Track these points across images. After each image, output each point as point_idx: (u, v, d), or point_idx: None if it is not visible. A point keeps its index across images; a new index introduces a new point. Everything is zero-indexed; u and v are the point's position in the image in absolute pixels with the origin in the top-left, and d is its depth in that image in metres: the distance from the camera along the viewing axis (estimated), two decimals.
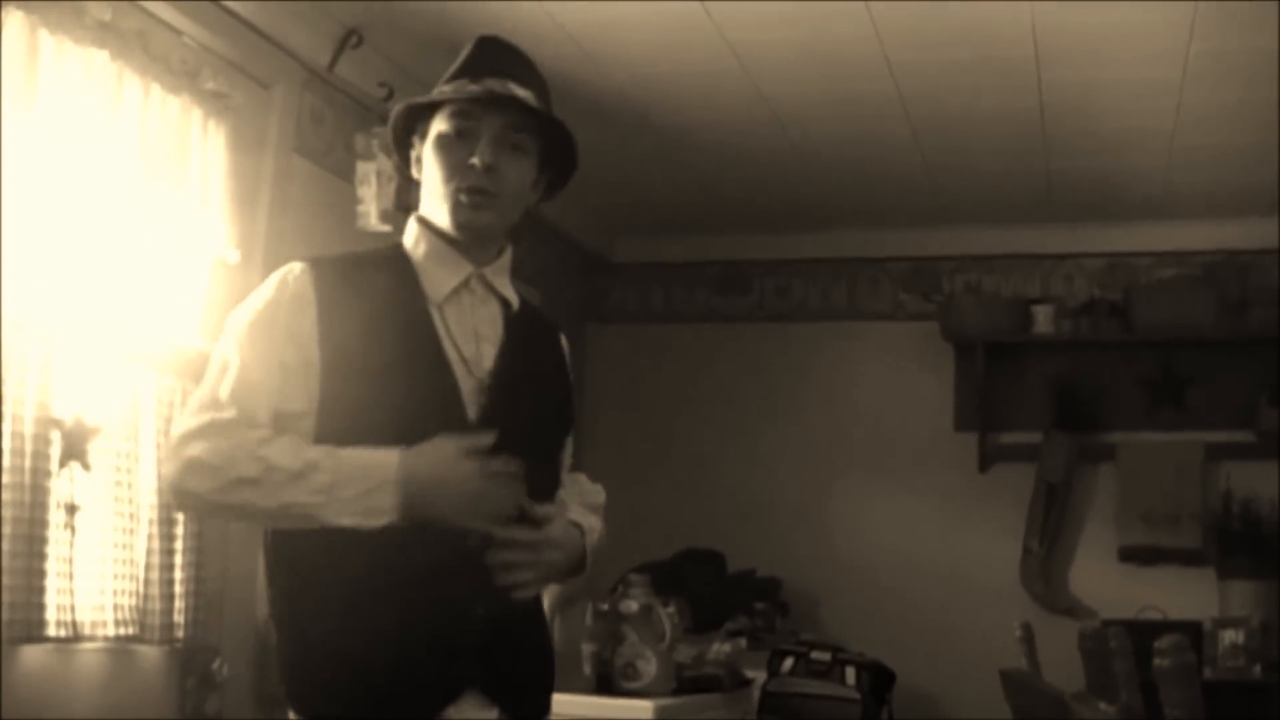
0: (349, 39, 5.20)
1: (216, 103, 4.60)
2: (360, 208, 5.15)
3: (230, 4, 4.66)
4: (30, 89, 3.84)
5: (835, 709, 6.09)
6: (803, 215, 7.53)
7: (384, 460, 2.70)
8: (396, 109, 3.03)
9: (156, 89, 4.33)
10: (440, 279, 2.95)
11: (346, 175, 5.25)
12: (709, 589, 6.66)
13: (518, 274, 3.04)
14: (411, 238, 3.00)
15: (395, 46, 5.37)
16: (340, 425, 2.78)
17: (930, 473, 7.55)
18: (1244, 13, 4.91)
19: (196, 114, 4.52)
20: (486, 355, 2.95)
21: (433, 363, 2.88)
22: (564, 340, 3.31)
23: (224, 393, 2.76)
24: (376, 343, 2.84)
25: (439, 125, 2.97)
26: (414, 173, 3.04)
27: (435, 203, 2.96)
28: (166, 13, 4.42)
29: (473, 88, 2.95)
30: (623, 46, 5.37)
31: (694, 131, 6.24)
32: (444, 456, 2.72)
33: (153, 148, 4.31)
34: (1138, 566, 7.23)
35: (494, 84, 2.96)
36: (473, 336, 2.95)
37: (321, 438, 2.78)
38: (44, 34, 3.89)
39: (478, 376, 2.91)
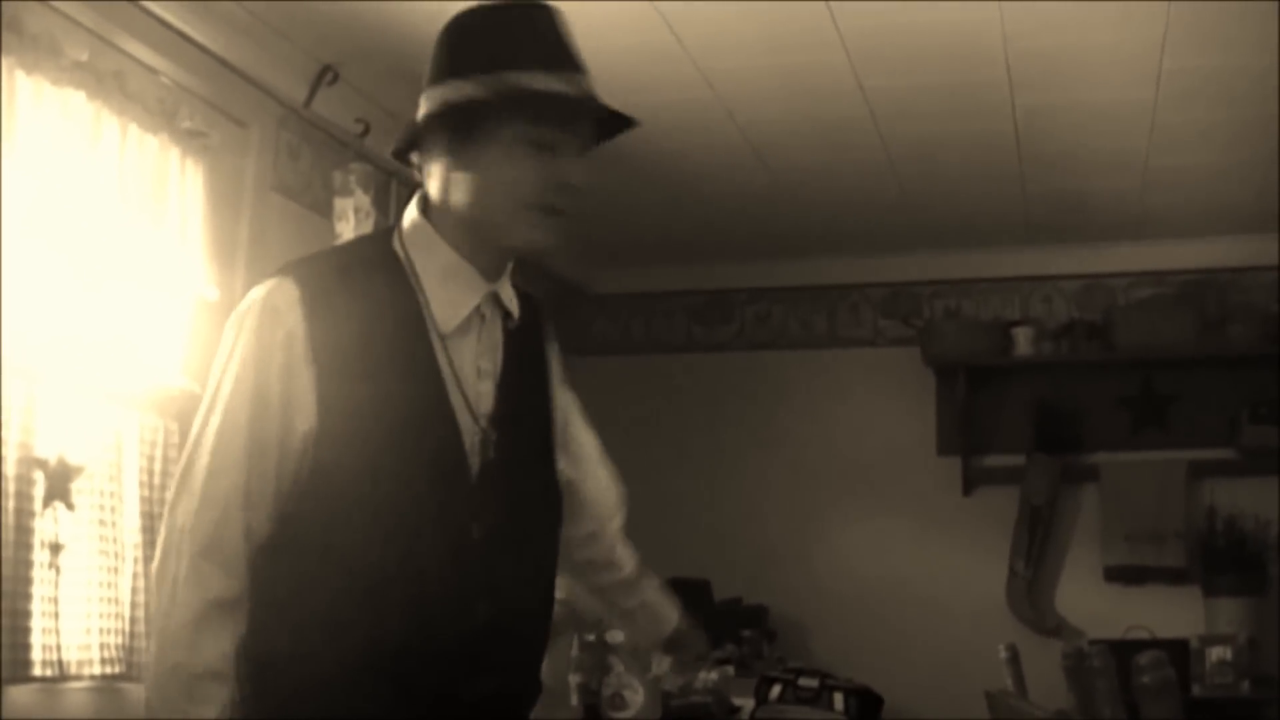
0: (325, 75, 5.21)
1: (194, 141, 4.61)
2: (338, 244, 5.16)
3: (207, 43, 4.67)
4: (8, 130, 3.84)
5: None
6: (781, 243, 7.55)
7: None
8: (452, 99, 2.66)
9: (134, 128, 4.34)
10: (451, 305, 2.70)
11: (324, 211, 5.25)
12: (695, 618, 6.65)
13: None
14: (419, 246, 2.71)
15: (371, 82, 5.38)
16: (334, 488, 2.57)
17: (914, 497, 7.56)
18: (1216, 30, 4.95)
19: (174, 153, 4.53)
20: (486, 395, 2.72)
21: (435, 414, 2.64)
22: (550, 333, 3.09)
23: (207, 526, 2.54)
24: (374, 395, 2.59)
25: (517, 126, 2.67)
26: (435, 169, 2.72)
27: (488, 212, 2.69)
28: (143, 52, 4.43)
29: (564, 88, 2.74)
30: (598, 77, 5.37)
31: (671, 161, 6.25)
32: None
33: (131, 187, 4.32)
34: (1123, 586, 7.24)
35: (581, 83, 2.79)
36: (475, 373, 2.72)
37: (314, 492, 2.57)
38: (20, 75, 3.90)
39: (481, 425, 2.68)
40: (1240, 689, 6.55)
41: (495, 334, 2.80)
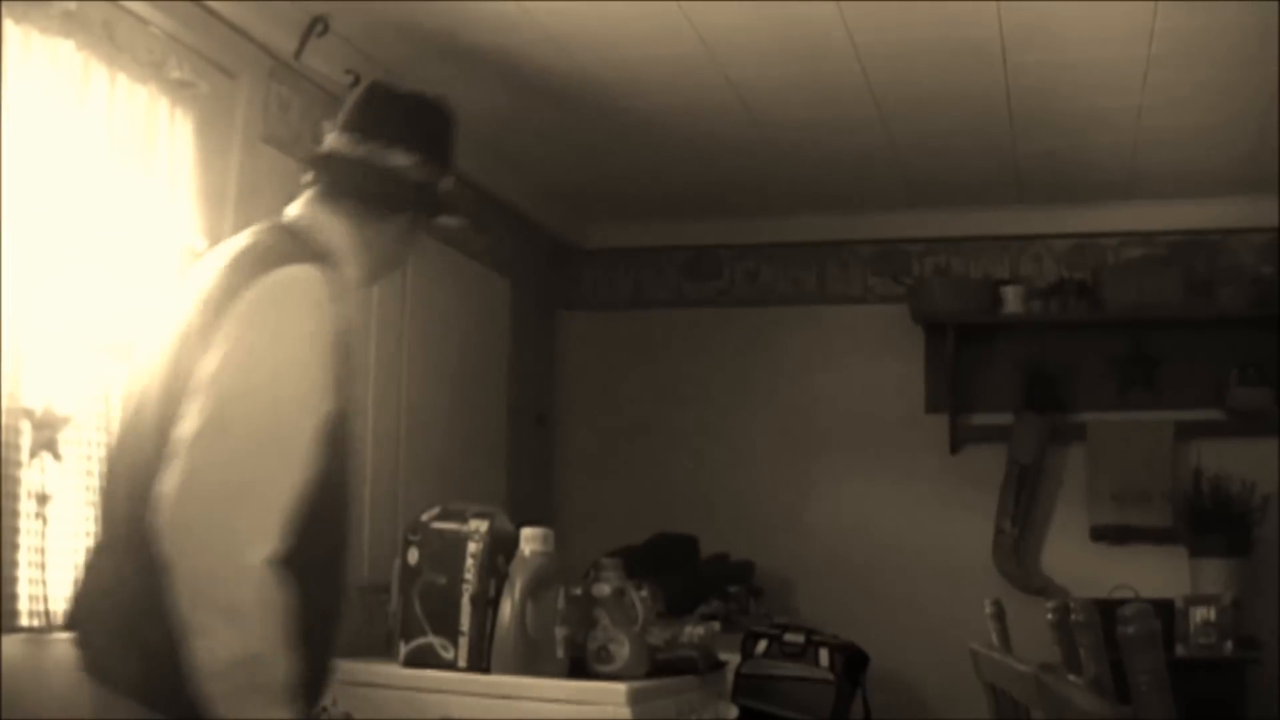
0: (315, 26, 5.19)
1: (183, 92, 4.59)
2: None
3: None
4: None
5: (809, 691, 6.11)
6: (772, 199, 7.54)
7: None
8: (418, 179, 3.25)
9: (123, 79, 4.32)
10: (346, 310, 3.00)
11: None
12: (682, 573, 6.67)
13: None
14: (348, 252, 3.13)
15: (362, 34, 5.36)
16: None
17: (902, 455, 7.58)
18: None
19: (163, 103, 4.50)
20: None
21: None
22: None
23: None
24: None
25: (442, 220, 3.37)
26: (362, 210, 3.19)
27: (384, 259, 3.25)
28: (132, 3, 4.41)
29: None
30: (589, 32, 5.37)
31: (662, 116, 6.24)
32: None
33: (119, 137, 4.30)
34: (1109, 546, 7.26)
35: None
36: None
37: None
38: (9, 24, 3.87)
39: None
40: (1224, 649, 6.57)
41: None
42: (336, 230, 3.13)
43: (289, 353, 2.77)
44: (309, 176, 3.26)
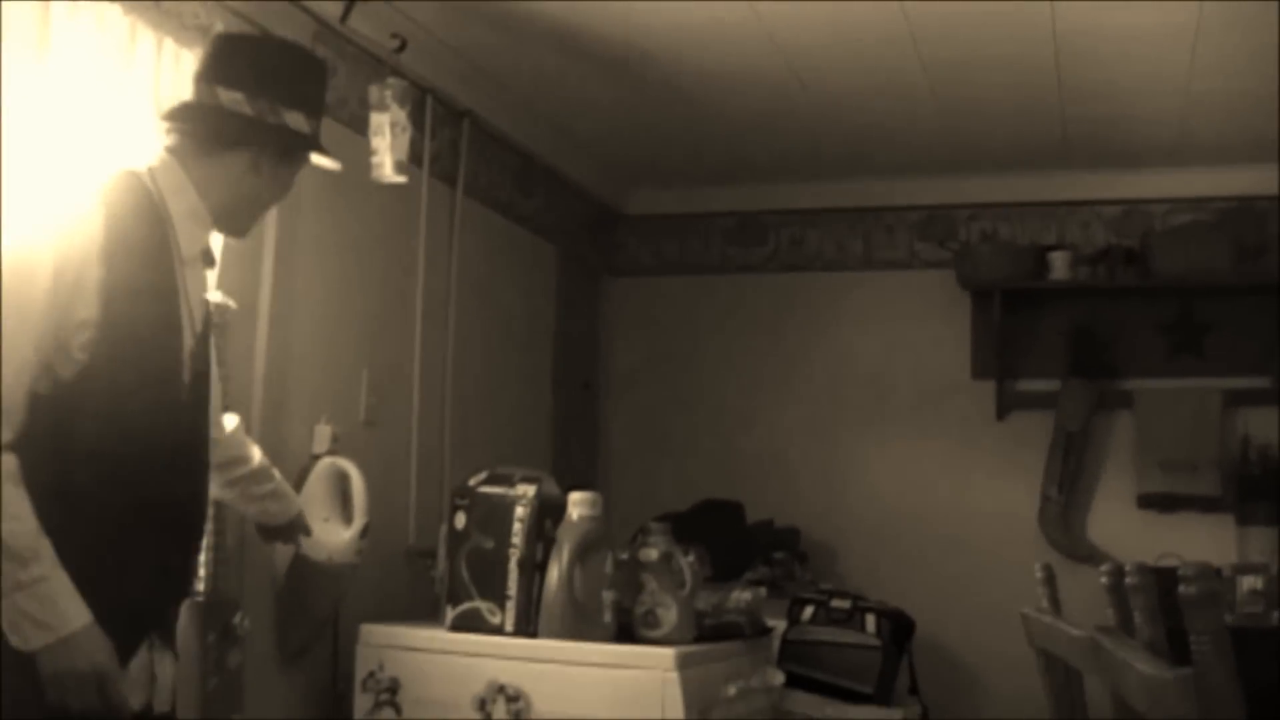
0: None
1: None
2: (374, 159, 5.14)
3: None
4: (42, 43, 3.82)
5: (855, 656, 6.10)
6: (817, 164, 7.51)
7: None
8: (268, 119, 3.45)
9: (169, 43, 4.31)
10: (190, 238, 3.34)
11: (360, 128, 5.23)
12: (728, 538, 6.67)
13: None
14: (170, 185, 3.32)
15: None
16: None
17: (948, 421, 7.55)
18: None
19: None
20: (198, 319, 3.37)
21: (168, 324, 3.25)
22: None
23: None
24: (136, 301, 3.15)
25: (312, 159, 3.65)
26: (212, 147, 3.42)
27: (231, 199, 3.42)
28: None
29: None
30: None
31: (707, 81, 6.22)
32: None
33: (166, 102, 4.29)
34: (1156, 514, 7.21)
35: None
36: (196, 300, 3.37)
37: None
38: None
39: (193, 341, 3.33)
40: (1271, 618, 6.53)
41: (202, 274, 3.45)
42: (167, 172, 3.34)
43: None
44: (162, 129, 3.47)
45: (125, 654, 3.12)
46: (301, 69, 3.58)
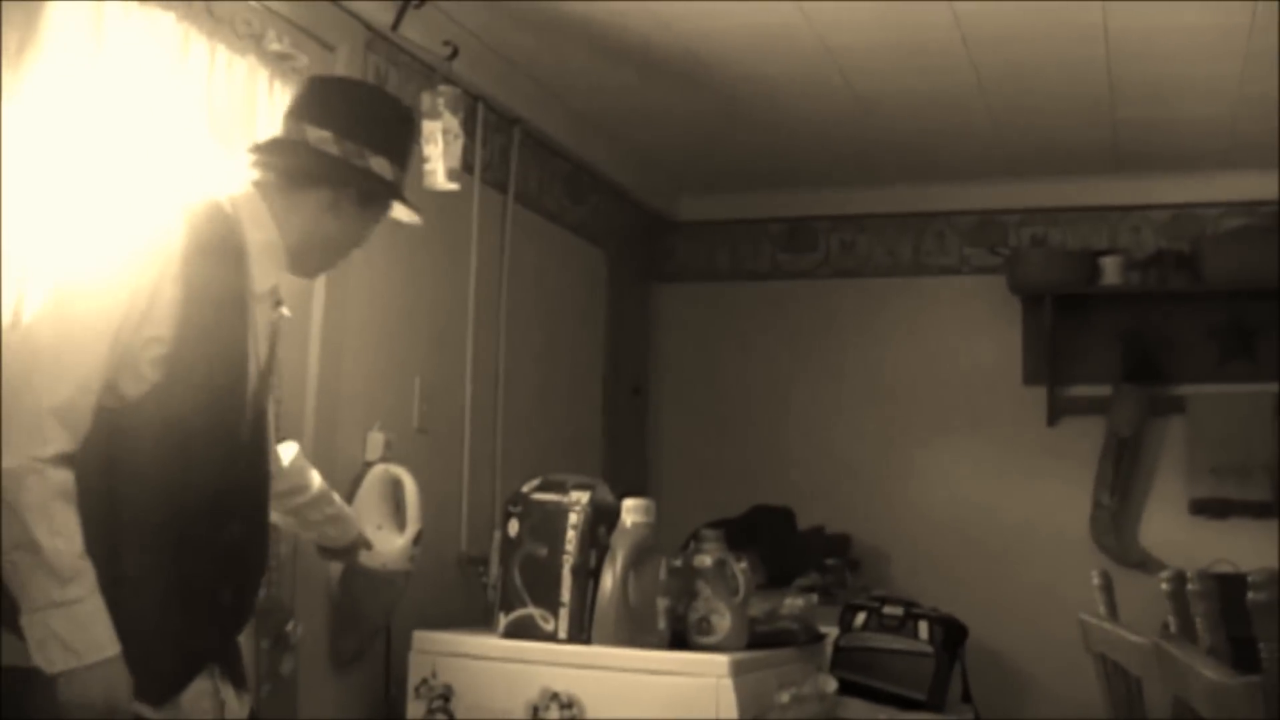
0: None
1: (282, 64, 4.59)
2: (427, 166, 5.14)
3: None
4: (96, 50, 3.83)
5: (908, 663, 6.07)
6: (868, 170, 7.50)
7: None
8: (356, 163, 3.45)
9: (222, 50, 4.32)
10: (263, 273, 3.37)
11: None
12: (780, 545, 6.66)
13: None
14: (249, 215, 3.34)
15: (459, 4, 5.35)
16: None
17: (999, 427, 7.53)
18: None
19: (263, 75, 4.51)
20: (263, 356, 3.40)
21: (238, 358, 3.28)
22: None
23: None
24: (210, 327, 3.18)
25: (393, 211, 3.62)
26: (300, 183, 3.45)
27: (307, 238, 3.44)
28: None
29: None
30: (686, 2, 5.34)
31: (758, 87, 6.21)
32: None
33: (219, 110, 4.31)
34: (1208, 519, 7.17)
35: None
36: (263, 335, 3.40)
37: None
38: None
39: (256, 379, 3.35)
40: None
41: (269, 312, 3.47)
42: (249, 204, 3.37)
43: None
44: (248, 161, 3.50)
45: (168, 687, 3.10)
46: (392, 117, 3.59)
